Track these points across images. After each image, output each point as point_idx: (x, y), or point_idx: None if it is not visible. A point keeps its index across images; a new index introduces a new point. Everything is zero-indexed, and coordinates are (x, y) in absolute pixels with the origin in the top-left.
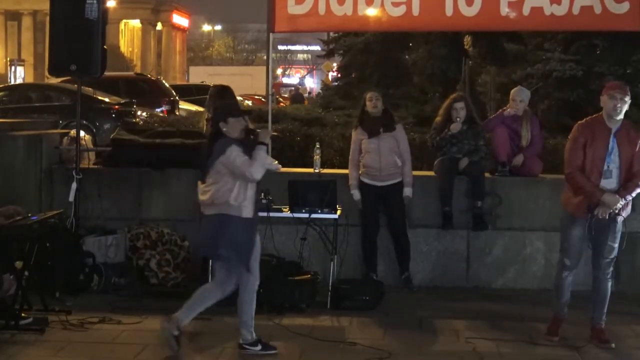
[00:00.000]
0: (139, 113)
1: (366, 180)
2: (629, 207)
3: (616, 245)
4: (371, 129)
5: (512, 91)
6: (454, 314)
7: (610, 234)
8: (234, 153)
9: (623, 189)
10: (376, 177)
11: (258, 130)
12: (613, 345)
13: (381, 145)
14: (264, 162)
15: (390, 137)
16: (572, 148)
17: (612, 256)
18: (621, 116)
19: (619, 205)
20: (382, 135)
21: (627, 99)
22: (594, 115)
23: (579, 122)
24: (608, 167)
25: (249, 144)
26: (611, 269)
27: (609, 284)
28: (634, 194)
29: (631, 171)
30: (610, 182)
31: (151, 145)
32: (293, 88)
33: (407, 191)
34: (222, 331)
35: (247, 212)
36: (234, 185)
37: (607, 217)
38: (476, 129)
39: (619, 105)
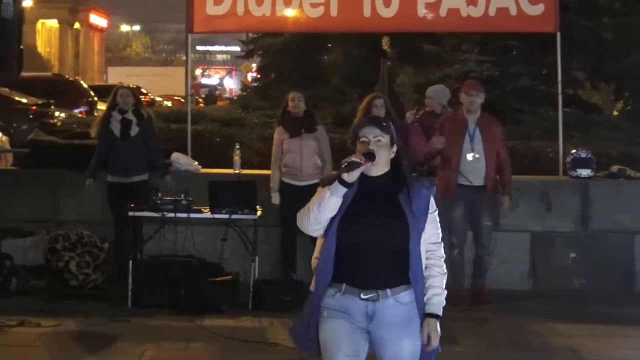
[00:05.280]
0: (56, 114)
1: (287, 180)
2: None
3: (489, 223)
4: (293, 129)
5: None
6: None
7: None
8: None
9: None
10: (296, 177)
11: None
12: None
13: (302, 146)
14: (316, 207)
15: (312, 138)
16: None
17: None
18: (477, 109)
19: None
20: (303, 136)
21: (482, 95)
22: (456, 112)
23: (443, 117)
24: (473, 149)
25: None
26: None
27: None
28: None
29: (499, 160)
30: (479, 161)
31: (69, 146)
32: (207, 89)
33: None
34: (141, 334)
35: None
36: None
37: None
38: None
39: (474, 100)
